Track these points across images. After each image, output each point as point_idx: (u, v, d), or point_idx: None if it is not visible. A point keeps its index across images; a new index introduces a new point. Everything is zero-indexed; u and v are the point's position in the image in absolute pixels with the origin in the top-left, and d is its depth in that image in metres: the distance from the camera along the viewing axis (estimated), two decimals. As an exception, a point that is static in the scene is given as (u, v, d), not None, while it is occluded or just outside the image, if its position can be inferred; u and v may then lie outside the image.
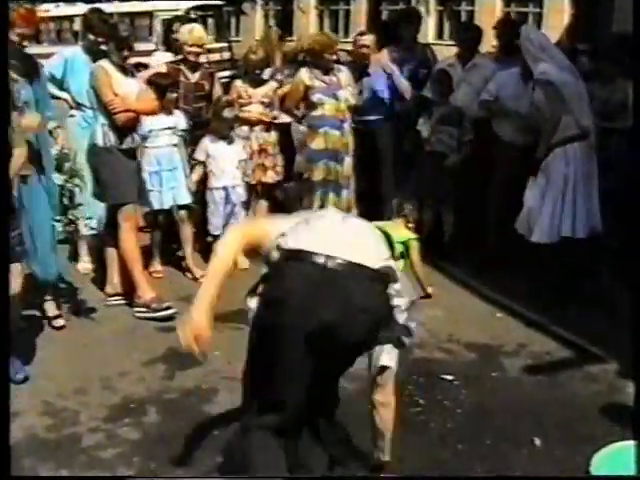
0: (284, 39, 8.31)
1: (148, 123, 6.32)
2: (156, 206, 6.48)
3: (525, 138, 6.35)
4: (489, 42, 7.74)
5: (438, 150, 6.95)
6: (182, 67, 6.80)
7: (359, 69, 7.38)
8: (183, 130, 6.62)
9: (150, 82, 6.37)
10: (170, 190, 6.49)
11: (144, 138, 6.30)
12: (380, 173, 7.40)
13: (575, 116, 5.78)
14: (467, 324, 5.70)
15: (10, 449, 3.40)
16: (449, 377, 4.91)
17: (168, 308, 5.79)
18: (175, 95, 6.59)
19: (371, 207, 7.03)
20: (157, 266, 6.70)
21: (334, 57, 6.97)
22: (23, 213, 5.17)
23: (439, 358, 5.22)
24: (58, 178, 5.55)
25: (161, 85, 6.36)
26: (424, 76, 7.34)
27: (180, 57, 6.94)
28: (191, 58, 6.79)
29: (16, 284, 4.54)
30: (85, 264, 6.68)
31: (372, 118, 7.39)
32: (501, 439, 4.22)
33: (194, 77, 6.87)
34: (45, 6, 18.19)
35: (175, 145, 6.54)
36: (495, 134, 6.74)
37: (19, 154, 4.60)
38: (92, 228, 6.34)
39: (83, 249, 6.70)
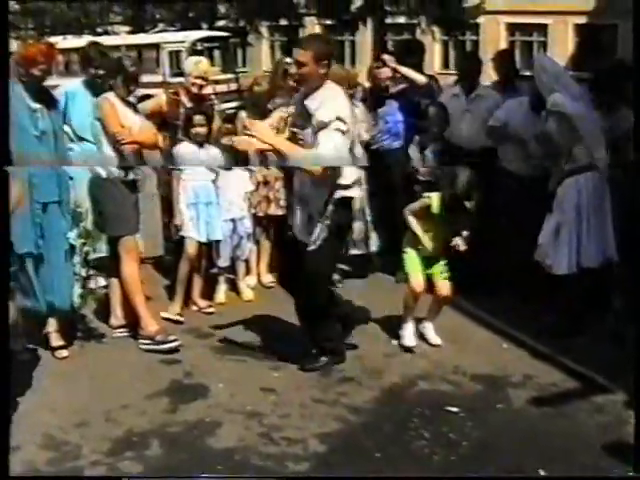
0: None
1: (184, 155, 6.35)
2: (195, 236, 6.42)
3: (532, 167, 6.35)
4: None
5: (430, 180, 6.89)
6: (182, 98, 6.78)
7: (376, 98, 7.45)
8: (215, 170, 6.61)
9: (189, 118, 6.42)
10: (205, 224, 6.45)
11: (180, 169, 6.33)
12: (394, 202, 7.40)
13: (587, 147, 5.77)
14: (473, 355, 5.66)
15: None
16: (454, 409, 4.87)
17: (173, 341, 5.78)
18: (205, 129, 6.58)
19: (388, 236, 7.05)
20: (177, 308, 6.44)
21: (351, 91, 6.98)
22: (43, 242, 5.34)
23: (444, 390, 5.18)
24: (74, 240, 5.60)
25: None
26: (427, 107, 7.34)
27: (181, 88, 6.91)
28: (194, 90, 6.77)
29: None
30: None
31: (385, 149, 7.42)
32: (506, 471, 4.18)
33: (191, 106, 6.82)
34: (53, 39, 18.38)
35: (212, 181, 6.54)
36: (500, 166, 6.73)
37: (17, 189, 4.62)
38: (104, 286, 6.33)
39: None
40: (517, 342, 5.86)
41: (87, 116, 6.00)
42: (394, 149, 7.42)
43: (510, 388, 5.19)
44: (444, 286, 5.74)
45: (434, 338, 5.83)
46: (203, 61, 7.09)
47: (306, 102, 5.12)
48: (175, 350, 5.72)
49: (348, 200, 5.28)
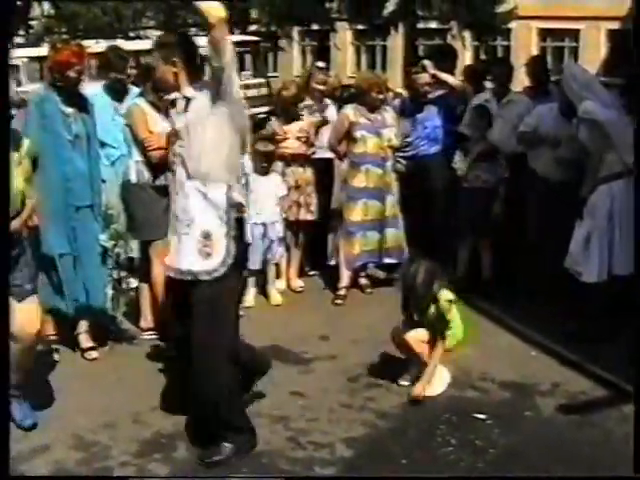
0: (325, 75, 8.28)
1: None
2: None
3: (562, 173, 6.33)
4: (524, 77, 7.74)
5: (476, 187, 6.93)
6: None
7: (415, 104, 7.53)
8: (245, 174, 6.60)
9: None
10: None
11: None
12: (432, 208, 7.42)
13: (620, 153, 5.74)
14: (501, 362, 5.63)
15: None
16: (482, 416, 4.86)
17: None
18: None
19: (423, 244, 7.06)
20: None
21: (381, 96, 6.99)
22: (75, 244, 5.44)
23: (472, 396, 5.17)
24: (106, 242, 5.68)
25: None
26: (461, 112, 7.36)
27: None
28: None
29: (34, 318, 4.56)
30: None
31: (423, 154, 7.46)
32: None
33: None
34: (86, 43, 18.49)
35: (243, 185, 6.54)
36: (531, 170, 6.73)
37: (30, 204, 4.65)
38: (134, 288, 6.39)
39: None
40: (546, 350, 5.83)
41: (109, 121, 6.05)
42: (431, 154, 7.46)
43: (538, 396, 5.16)
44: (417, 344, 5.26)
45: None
46: None
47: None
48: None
49: (242, 221, 4.33)
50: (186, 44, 4.45)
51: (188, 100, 4.29)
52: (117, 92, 6.22)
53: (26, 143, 4.63)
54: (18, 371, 4.56)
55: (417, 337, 5.23)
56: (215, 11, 3.98)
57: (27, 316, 4.49)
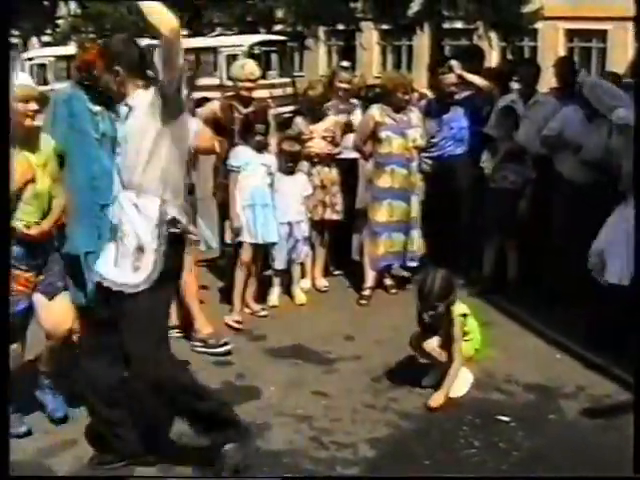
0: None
1: (244, 156, 6.42)
2: (249, 240, 6.47)
3: (587, 175, 6.29)
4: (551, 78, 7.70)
5: (503, 187, 6.91)
6: (235, 102, 6.86)
7: (441, 105, 7.52)
8: (271, 173, 6.64)
9: (246, 124, 6.51)
10: (261, 226, 6.49)
11: (238, 171, 6.41)
12: (458, 209, 7.41)
13: None
14: (525, 364, 5.61)
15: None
16: (505, 418, 4.84)
17: (225, 344, 5.83)
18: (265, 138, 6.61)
19: (442, 245, 7.08)
20: (236, 315, 6.47)
21: (407, 96, 6.98)
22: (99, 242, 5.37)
23: (496, 399, 5.15)
24: None
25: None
26: (487, 113, 7.34)
27: (233, 93, 7.01)
28: (244, 93, 6.85)
29: (67, 315, 4.63)
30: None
31: (449, 154, 7.45)
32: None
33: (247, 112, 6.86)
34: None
35: (269, 184, 6.59)
36: (556, 172, 6.70)
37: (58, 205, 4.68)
38: None
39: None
40: (570, 353, 5.80)
41: None
42: (457, 155, 7.45)
43: (562, 399, 5.13)
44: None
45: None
46: (248, 63, 7.16)
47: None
48: (227, 353, 5.78)
49: (178, 237, 4.08)
50: (129, 52, 4.11)
51: (130, 109, 4.05)
52: None
53: (51, 143, 4.67)
54: (50, 365, 4.65)
55: (433, 346, 5.23)
56: (167, 22, 3.69)
57: (60, 313, 4.58)
